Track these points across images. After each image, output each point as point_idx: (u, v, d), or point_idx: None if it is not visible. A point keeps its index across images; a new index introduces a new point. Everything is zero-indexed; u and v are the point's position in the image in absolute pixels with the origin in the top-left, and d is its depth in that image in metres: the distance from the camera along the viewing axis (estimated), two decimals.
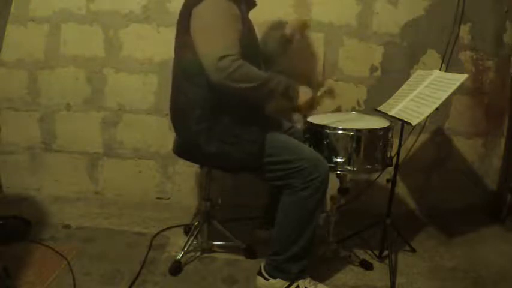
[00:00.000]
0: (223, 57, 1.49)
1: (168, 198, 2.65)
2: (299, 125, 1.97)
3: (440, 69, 2.29)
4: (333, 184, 1.83)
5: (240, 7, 1.67)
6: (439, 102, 1.70)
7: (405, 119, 1.74)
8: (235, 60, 1.51)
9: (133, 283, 1.77)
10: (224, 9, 1.58)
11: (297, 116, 1.90)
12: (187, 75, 1.68)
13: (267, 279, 1.74)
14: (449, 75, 1.83)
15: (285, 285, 1.71)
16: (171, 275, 1.85)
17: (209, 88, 1.61)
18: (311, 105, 1.73)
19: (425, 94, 1.81)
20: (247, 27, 1.70)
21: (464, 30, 2.38)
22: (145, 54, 2.45)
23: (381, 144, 1.78)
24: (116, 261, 1.93)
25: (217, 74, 1.51)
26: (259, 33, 1.87)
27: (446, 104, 2.36)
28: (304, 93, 1.69)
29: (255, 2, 1.85)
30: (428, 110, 1.70)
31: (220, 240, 2.03)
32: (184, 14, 1.65)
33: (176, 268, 1.87)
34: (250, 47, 1.68)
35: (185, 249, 1.94)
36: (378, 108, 1.97)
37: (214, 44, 1.53)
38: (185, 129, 1.74)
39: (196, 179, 2.61)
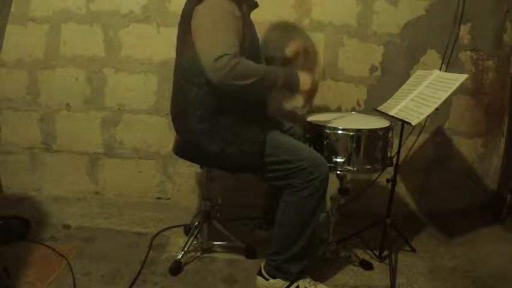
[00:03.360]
0: (220, 57, 1.48)
1: (168, 198, 2.65)
2: (299, 112, 1.95)
3: (440, 69, 2.28)
4: (333, 184, 1.83)
5: (241, 8, 1.66)
6: (439, 102, 1.69)
7: (405, 119, 1.74)
8: (232, 58, 1.50)
9: (133, 283, 1.77)
10: (224, 9, 1.58)
11: (299, 103, 1.86)
12: (188, 75, 1.67)
13: (267, 279, 1.74)
14: (449, 75, 1.83)
15: (285, 285, 1.71)
16: (171, 275, 1.85)
17: (210, 88, 1.61)
18: (314, 90, 1.71)
19: (425, 94, 1.80)
20: (248, 27, 1.69)
21: (464, 30, 2.38)
22: (145, 54, 2.45)
23: (381, 144, 1.78)
24: (116, 261, 1.93)
25: (215, 74, 1.50)
26: (259, 33, 1.86)
27: (446, 104, 2.35)
28: (304, 78, 1.69)
29: (256, 2, 1.85)
30: (428, 110, 1.70)
31: (220, 240, 2.03)
32: (186, 14, 1.65)
33: (176, 268, 1.87)
34: (251, 47, 1.68)
35: (185, 249, 1.94)
36: (378, 108, 1.97)
37: (212, 44, 1.53)
38: (186, 129, 1.74)
39: (196, 179, 2.61)
